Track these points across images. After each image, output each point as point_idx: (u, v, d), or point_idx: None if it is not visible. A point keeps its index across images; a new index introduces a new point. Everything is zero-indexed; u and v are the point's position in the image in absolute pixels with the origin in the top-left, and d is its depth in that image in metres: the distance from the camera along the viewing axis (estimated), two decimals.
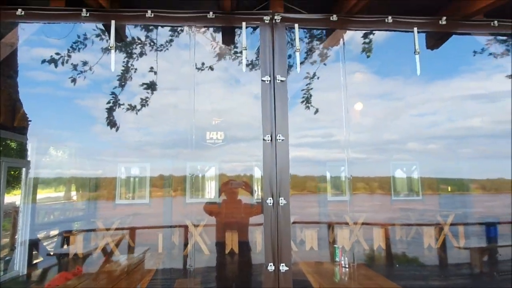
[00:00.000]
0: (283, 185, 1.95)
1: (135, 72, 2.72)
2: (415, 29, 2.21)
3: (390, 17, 2.22)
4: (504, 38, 2.45)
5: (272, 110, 2.02)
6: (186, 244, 5.15)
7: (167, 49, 2.57)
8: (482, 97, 2.62)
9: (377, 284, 2.92)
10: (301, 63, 2.99)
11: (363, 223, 5.89)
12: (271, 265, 1.86)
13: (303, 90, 3.34)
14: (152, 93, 2.88)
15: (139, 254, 4.33)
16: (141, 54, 2.66)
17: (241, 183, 3.67)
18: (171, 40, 2.57)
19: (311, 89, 3.17)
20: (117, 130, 2.75)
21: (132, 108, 2.86)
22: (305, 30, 2.45)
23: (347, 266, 3.27)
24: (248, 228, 3.38)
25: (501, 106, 2.46)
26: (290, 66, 2.91)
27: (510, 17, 2.28)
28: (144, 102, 2.85)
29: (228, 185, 3.38)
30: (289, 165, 1.97)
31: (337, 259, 3.40)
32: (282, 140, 1.99)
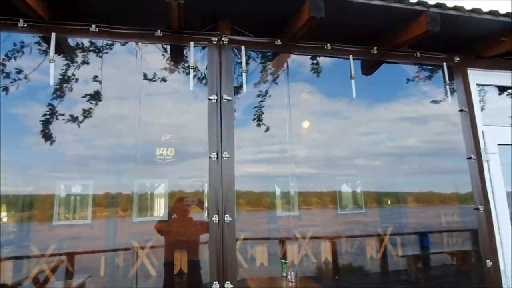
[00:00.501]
0: (228, 202, 1.97)
1: (76, 81, 2.60)
2: (351, 56, 2.42)
3: (329, 45, 2.41)
4: (429, 67, 2.76)
5: (219, 128, 2.06)
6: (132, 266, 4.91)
7: (113, 57, 2.49)
8: (414, 120, 2.90)
9: None
10: (257, 82, 3.11)
11: (311, 237, 6.08)
12: (216, 283, 1.86)
13: (255, 107, 3.43)
14: (96, 104, 2.76)
15: (79, 280, 4.01)
16: (84, 62, 2.55)
17: (194, 200, 3.60)
18: (118, 50, 2.50)
19: (263, 106, 3.28)
20: (51, 143, 2.58)
21: (73, 119, 2.71)
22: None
23: (293, 280, 3.34)
24: (198, 247, 3.33)
25: (429, 128, 2.76)
26: (247, 84, 3.01)
27: (430, 50, 2.60)
28: (87, 113, 2.72)
29: (181, 202, 3.30)
30: (234, 183, 2.01)
31: (284, 274, 3.46)
32: (228, 158, 2.03)
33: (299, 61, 2.63)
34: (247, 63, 2.37)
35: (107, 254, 4.93)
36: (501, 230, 2.47)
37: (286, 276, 3.40)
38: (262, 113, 3.33)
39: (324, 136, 3.49)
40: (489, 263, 2.34)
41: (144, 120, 2.35)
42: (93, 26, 2.07)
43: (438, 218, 3.47)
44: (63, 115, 2.63)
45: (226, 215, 1.94)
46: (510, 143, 2.71)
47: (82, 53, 2.35)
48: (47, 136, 2.53)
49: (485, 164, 2.54)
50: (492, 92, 3.32)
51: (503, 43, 2.49)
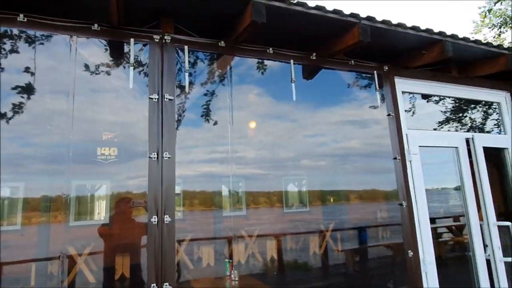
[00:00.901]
0: (169, 202, 1.96)
1: (1, 71, 2.38)
2: (292, 61, 2.54)
3: (271, 49, 2.50)
4: (367, 75, 2.98)
5: (160, 128, 2.03)
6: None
7: (48, 48, 2.33)
8: (356, 123, 3.13)
9: None
10: (204, 82, 3.12)
11: (257, 236, 6.30)
12: (154, 286, 1.84)
13: (203, 106, 3.43)
14: (29, 98, 2.56)
15: None
16: (13, 51, 2.34)
17: (141, 202, 3.53)
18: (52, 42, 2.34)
19: (210, 106, 3.30)
20: None
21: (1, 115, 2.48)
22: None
23: (236, 279, 3.39)
24: (140, 249, 3.27)
25: (369, 131, 2.99)
26: (191, 84, 3.00)
27: (364, 58, 2.82)
28: (18, 109, 2.51)
29: (127, 204, 3.21)
30: (174, 183, 2.00)
31: (227, 273, 3.50)
32: (169, 158, 2.01)
33: (245, 63, 2.69)
34: (194, 63, 2.36)
35: (39, 263, 4.61)
36: (421, 224, 2.76)
37: (230, 275, 3.44)
38: (209, 113, 3.35)
39: (271, 137, 3.60)
40: (411, 253, 2.61)
41: (83, 117, 2.23)
42: (21, 15, 1.92)
43: (374, 214, 3.79)
44: None
45: (165, 216, 1.93)
46: (430, 145, 3.04)
47: (11, 41, 2.16)
48: None
49: (408, 164, 2.82)
50: (419, 99, 3.70)
51: (424, 56, 2.79)
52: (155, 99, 2.07)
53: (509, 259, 2.94)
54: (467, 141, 3.17)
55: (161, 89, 2.09)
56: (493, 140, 3.32)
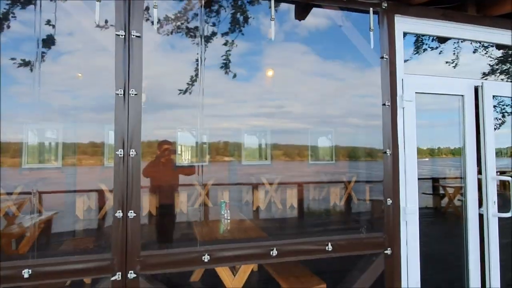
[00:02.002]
0: (134, 137, 2.04)
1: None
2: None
3: None
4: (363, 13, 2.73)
5: (126, 64, 2.06)
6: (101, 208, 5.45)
7: None
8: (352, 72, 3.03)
9: (244, 231, 3.32)
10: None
11: (279, 183, 6.73)
12: (119, 212, 1.99)
13: (222, 56, 3.42)
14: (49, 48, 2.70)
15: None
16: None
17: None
18: None
19: (230, 55, 3.32)
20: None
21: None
22: None
23: (229, 218, 3.58)
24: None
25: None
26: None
27: None
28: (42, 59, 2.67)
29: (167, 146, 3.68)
30: (141, 119, 2.06)
31: (222, 212, 3.69)
32: (135, 94, 2.06)
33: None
34: None
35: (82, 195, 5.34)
36: (407, 173, 2.66)
37: (223, 215, 3.64)
38: (229, 61, 3.37)
39: (321, 95, 3.66)
40: (389, 201, 2.55)
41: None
42: None
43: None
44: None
45: (131, 150, 2.02)
46: (430, 91, 2.81)
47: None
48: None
49: (400, 111, 2.65)
50: (425, 40, 3.35)
51: None
52: (122, 36, 2.07)
53: (504, 215, 2.78)
54: (476, 89, 2.88)
55: (128, 25, 2.08)
56: (505, 88, 2.97)
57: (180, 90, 3.48)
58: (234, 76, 3.47)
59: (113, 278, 1.98)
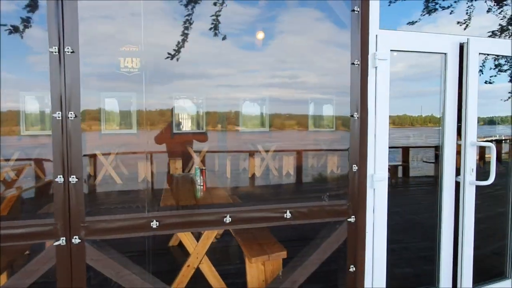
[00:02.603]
0: (72, 100, 1.93)
1: None
2: None
3: None
4: None
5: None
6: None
7: None
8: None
9: (212, 198, 3.29)
10: None
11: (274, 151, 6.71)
12: (60, 177, 1.92)
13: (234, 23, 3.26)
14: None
15: None
16: None
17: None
18: None
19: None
20: None
21: None
22: None
23: (201, 184, 3.53)
24: None
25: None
26: None
27: None
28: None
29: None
30: (79, 79, 1.93)
31: (197, 178, 3.64)
32: (72, 52, 1.91)
33: None
34: None
35: None
36: (378, 138, 2.49)
37: (197, 181, 3.59)
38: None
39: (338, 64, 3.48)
40: (355, 167, 2.41)
41: None
42: None
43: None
44: None
45: (70, 112, 1.92)
46: (408, 49, 2.57)
47: None
48: None
49: (371, 71, 2.43)
50: None
51: None
52: None
53: (481, 183, 2.62)
54: (461, 47, 2.61)
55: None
56: (492, 45, 2.69)
57: (191, 60, 3.43)
58: (244, 44, 3.41)
59: (56, 243, 1.96)
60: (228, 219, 2.20)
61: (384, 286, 2.60)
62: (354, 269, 2.47)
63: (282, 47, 3.36)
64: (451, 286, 2.76)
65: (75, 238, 1.99)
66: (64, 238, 1.97)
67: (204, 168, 4.01)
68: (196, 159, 5.09)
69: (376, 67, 2.44)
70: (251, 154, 6.57)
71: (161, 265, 3.15)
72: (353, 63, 2.37)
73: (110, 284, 2.13)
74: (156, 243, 3.70)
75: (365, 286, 2.52)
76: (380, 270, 2.58)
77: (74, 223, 1.98)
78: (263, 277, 2.57)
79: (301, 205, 2.36)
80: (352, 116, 2.39)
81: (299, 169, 6.50)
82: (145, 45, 2.43)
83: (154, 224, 2.09)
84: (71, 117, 1.93)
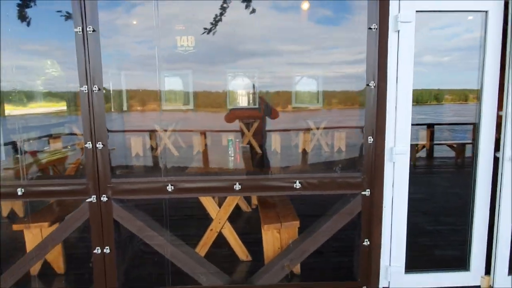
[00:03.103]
0: (96, 75, 2.16)
1: None
2: None
3: None
4: None
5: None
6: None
7: None
8: None
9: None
10: None
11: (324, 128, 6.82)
12: (88, 143, 2.21)
13: None
14: None
15: None
16: None
17: None
18: None
19: None
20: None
21: None
22: None
23: (232, 155, 3.67)
24: None
25: None
26: None
27: None
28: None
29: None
30: (100, 59, 2.14)
31: (229, 150, 3.80)
32: (93, 31, 2.13)
33: None
34: None
35: None
36: (399, 110, 2.33)
37: (229, 152, 3.75)
38: None
39: None
40: (370, 139, 2.31)
41: None
42: None
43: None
44: None
45: (94, 86, 2.16)
46: (438, 9, 2.30)
47: None
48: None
49: (392, 36, 2.25)
50: None
51: None
52: None
53: None
54: (506, 3, 2.26)
55: None
56: None
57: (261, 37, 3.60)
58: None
59: (88, 200, 2.28)
60: (238, 187, 2.31)
61: (403, 263, 2.51)
62: (368, 243, 2.42)
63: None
64: (483, 272, 2.55)
65: (103, 196, 2.28)
66: (94, 196, 2.28)
67: (237, 140, 4.17)
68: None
69: (398, 31, 2.25)
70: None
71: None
72: (370, 28, 2.22)
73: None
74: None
75: (382, 262, 2.46)
76: (399, 246, 2.48)
77: (102, 184, 2.27)
78: (278, 245, 2.65)
79: (311, 176, 2.36)
80: (368, 85, 2.27)
81: None
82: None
83: (170, 188, 2.29)
84: (95, 90, 2.17)
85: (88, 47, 2.13)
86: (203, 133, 7.40)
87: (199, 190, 2.37)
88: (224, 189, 2.35)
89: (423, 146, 7.77)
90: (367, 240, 2.42)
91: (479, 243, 2.51)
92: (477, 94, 2.41)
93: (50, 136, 6.17)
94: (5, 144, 4.11)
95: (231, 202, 2.83)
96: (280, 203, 2.99)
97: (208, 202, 2.86)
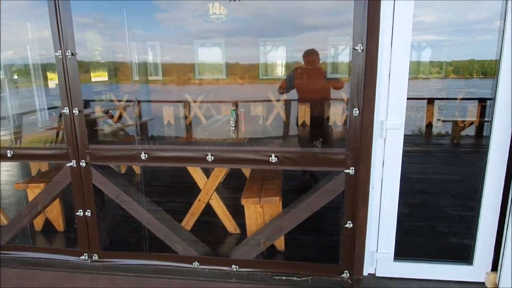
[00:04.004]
0: (69, 40, 2.14)
1: None
2: None
3: None
4: None
5: None
6: None
7: None
8: None
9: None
10: None
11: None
12: (66, 109, 2.24)
13: None
14: None
15: None
16: None
17: None
18: None
19: None
20: None
21: None
22: None
23: (234, 126, 3.58)
24: None
25: None
26: None
27: None
28: None
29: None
30: (72, 22, 2.11)
31: (231, 119, 3.70)
32: None
33: None
34: None
35: None
36: (393, 77, 2.01)
37: (231, 122, 3.66)
38: None
39: None
40: (356, 111, 2.04)
41: None
42: None
43: None
44: None
45: (68, 51, 2.15)
46: None
47: None
48: None
49: None
50: None
51: None
52: None
53: None
54: None
55: None
56: None
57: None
58: None
59: (68, 164, 2.35)
60: (210, 158, 2.22)
61: (392, 250, 2.27)
62: (351, 225, 2.22)
63: None
64: (490, 268, 2.22)
65: (82, 161, 2.34)
66: (74, 161, 2.34)
67: (243, 110, 4.04)
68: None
69: None
70: None
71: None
72: None
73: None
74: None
75: (367, 247, 2.26)
76: (387, 231, 2.24)
77: (80, 150, 2.32)
78: (261, 220, 2.55)
79: (288, 150, 2.18)
80: (354, 49, 1.97)
81: None
82: None
83: (143, 156, 2.27)
84: (68, 56, 2.16)
85: (59, 12, 2.10)
86: (235, 103, 7.46)
87: (172, 160, 2.32)
88: (196, 160, 2.27)
89: (471, 123, 7.00)
90: (350, 222, 2.22)
91: (486, 234, 2.18)
92: None
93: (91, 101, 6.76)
94: (49, 109, 4.47)
95: (218, 173, 2.76)
96: (270, 179, 2.85)
97: (196, 173, 2.83)
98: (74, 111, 2.24)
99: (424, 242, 2.74)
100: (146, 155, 2.27)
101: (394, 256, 2.28)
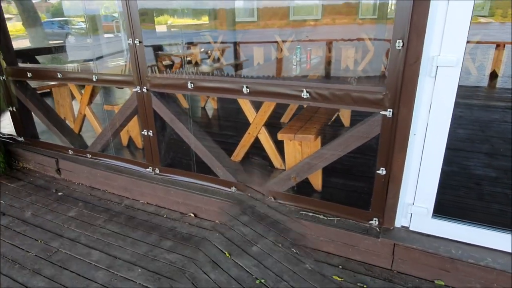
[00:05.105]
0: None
1: None
2: None
3: None
4: None
5: None
6: None
7: None
8: None
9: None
10: None
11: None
12: (130, 40, 2.55)
13: None
14: None
15: None
16: None
17: None
18: None
19: None
20: None
21: None
22: None
23: (295, 64, 3.48)
24: None
25: None
26: None
27: None
28: None
29: None
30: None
31: (296, 56, 3.59)
32: None
33: None
34: None
35: None
36: (451, 8, 1.63)
37: (296, 58, 3.58)
38: None
39: None
40: (399, 44, 1.76)
41: None
42: None
43: None
44: None
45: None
46: None
47: None
48: None
49: None
50: None
51: None
52: None
53: None
54: None
55: None
56: None
57: None
58: None
59: (134, 90, 2.73)
60: (246, 90, 2.27)
61: (432, 205, 2.04)
62: (384, 172, 2.05)
63: None
64: None
65: (144, 88, 2.68)
66: (138, 87, 2.71)
67: (309, 49, 3.83)
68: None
69: None
70: None
71: None
72: None
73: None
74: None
75: (402, 198, 2.08)
76: (427, 184, 2.00)
77: (142, 77, 2.65)
78: (300, 157, 2.57)
79: (321, 86, 2.06)
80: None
81: None
82: None
83: (190, 85, 2.47)
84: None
85: None
86: (330, 43, 7.27)
87: (212, 90, 2.45)
88: (234, 91, 2.35)
89: None
90: (383, 168, 2.05)
91: None
92: None
93: (191, 43, 7.56)
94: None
95: (266, 108, 2.81)
96: (316, 119, 2.77)
97: (246, 107, 2.93)
98: (135, 42, 2.54)
99: (472, 206, 2.37)
100: (192, 84, 2.46)
101: (432, 213, 2.06)
